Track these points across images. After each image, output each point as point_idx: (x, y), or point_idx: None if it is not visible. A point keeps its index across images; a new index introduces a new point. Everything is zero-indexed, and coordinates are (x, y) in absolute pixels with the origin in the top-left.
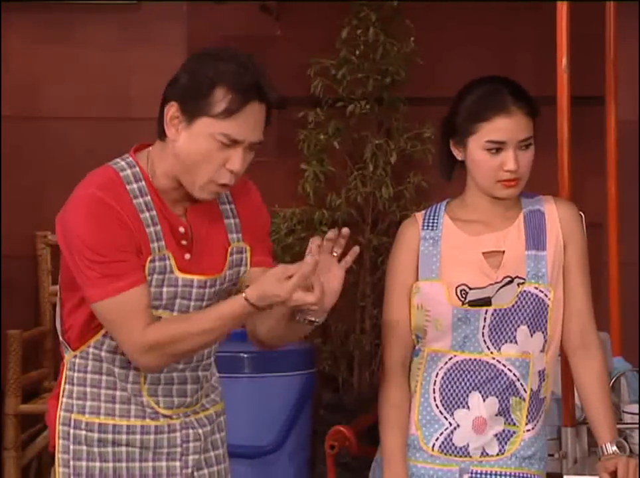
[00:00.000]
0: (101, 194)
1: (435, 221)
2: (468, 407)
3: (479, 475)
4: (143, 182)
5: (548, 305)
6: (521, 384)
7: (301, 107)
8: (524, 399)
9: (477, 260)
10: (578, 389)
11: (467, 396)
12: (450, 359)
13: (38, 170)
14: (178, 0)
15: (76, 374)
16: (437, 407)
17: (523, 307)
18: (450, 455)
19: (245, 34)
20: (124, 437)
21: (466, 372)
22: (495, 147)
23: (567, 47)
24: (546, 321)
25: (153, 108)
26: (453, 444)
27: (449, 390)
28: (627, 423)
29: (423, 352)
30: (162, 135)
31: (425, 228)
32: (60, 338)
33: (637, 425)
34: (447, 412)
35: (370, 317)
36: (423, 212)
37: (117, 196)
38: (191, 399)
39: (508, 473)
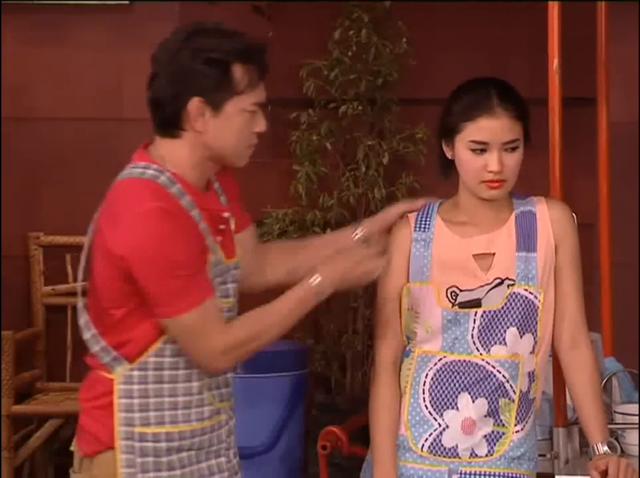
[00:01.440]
0: (163, 205)
1: (427, 222)
2: (457, 408)
3: (467, 476)
4: (178, 184)
5: (537, 307)
6: (510, 385)
7: (294, 108)
8: (513, 401)
9: (467, 262)
10: (570, 389)
11: (457, 396)
12: (440, 360)
13: (30, 171)
14: (170, 0)
15: (136, 387)
16: (427, 407)
17: (512, 308)
18: (439, 455)
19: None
20: (187, 442)
21: (455, 373)
22: (479, 147)
23: (558, 48)
24: (536, 323)
25: (145, 108)
26: (442, 445)
27: (439, 391)
28: (618, 424)
29: (413, 353)
30: (174, 133)
31: (417, 229)
32: (107, 356)
33: (629, 426)
34: (437, 413)
35: (362, 318)
36: (415, 215)
37: (173, 203)
38: (231, 388)
39: (496, 473)
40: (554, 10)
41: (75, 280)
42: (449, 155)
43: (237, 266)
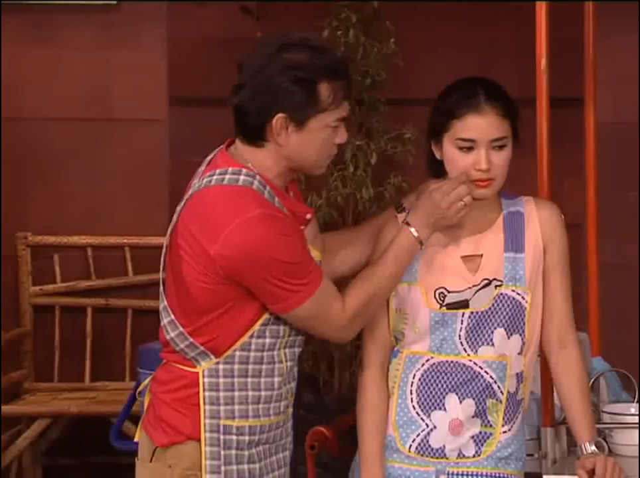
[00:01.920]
0: (267, 211)
1: None
2: (445, 409)
3: (454, 476)
4: (268, 187)
5: (525, 308)
6: (498, 386)
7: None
8: (500, 401)
9: (455, 264)
10: (557, 389)
11: (444, 397)
12: (427, 361)
13: (18, 171)
14: (158, 0)
15: (221, 380)
16: (414, 408)
17: (500, 309)
18: (426, 456)
19: (225, 35)
20: (264, 435)
21: (443, 374)
22: (466, 145)
23: (546, 48)
24: (524, 324)
25: (134, 108)
26: (430, 445)
27: (426, 392)
28: (606, 423)
29: (401, 354)
30: (257, 143)
31: None
32: (193, 351)
33: (617, 425)
34: (424, 413)
35: None
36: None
37: (273, 206)
38: (297, 381)
39: (484, 473)
40: (541, 10)
41: (62, 280)
42: (438, 155)
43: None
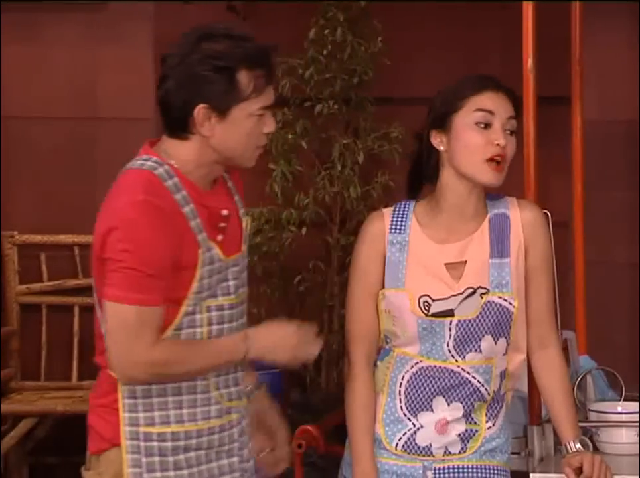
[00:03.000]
0: (152, 199)
1: (403, 224)
2: (432, 410)
3: (441, 471)
4: (176, 178)
5: (512, 313)
6: (485, 388)
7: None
8: (486, 401)
9: (439, 271)
10: (540, 389)
11: (432, 400)
12: (416, 364)
13: (4, 170)
14: (144, 0)
15: (139, 387)
16: (402, 409)
17: (487, 317)
18: (413, 454)
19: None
20: (194, 441)
21: (430, 378)
22: (483, 119)
23: (533, 47)
24: (509, 327)
25: (120, 107)
26: (416, 444)
27: (414, 394)
28: (592, 422)
29: (393, 352)
30: (182, 136)
31: (393, 231)
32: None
33: (603, 424)
34: (411, 414)
35: (338, 317)
36: (391, 211)
37: (163, 198)
38: (242, 386)
39: (469, 466)
40: (528, 9)
41: (49, 279)
42: (440, 146)
43: (236, 264)
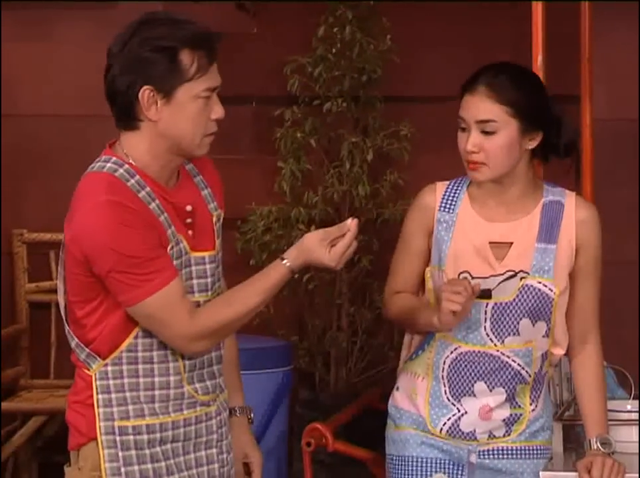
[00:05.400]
0: (115, 198)
1: (454, 202)
2: (475, 396)
3: (485, 452)
4: (138, 176)
5: (552, 298)
6: (526, 371)
7: (278, 105)
8: (528, 383)
9: (483, 249)
10: (574, 383)
11: (473, 385)
12: (455, 349)
13: (14, 168)
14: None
15: (111, 382)
16: (446, 393)
17: (525, 300)
18: (457, 438)
19: (221, 32)
20: (170, 433)
21: (471, 363)
22: (460, 124)
23: (542, 46)
24: (550, 312)
25: None
26: (460, 429)
27: (456, 380)
28: None
29: (435, 336)
30: (132, 125)
31: (442, 209)
32: (82, 353)
33: (612, 423)
34: (455, 400)
35: (346, 315)
36: (445, 186)
37: (127, 196)
38: (219, 380)
39: (513, 448)
40: (537, 8)
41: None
42: None
43: (212, 260)
